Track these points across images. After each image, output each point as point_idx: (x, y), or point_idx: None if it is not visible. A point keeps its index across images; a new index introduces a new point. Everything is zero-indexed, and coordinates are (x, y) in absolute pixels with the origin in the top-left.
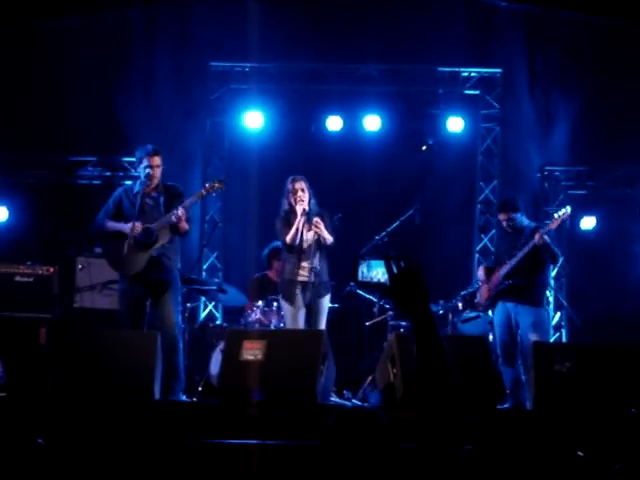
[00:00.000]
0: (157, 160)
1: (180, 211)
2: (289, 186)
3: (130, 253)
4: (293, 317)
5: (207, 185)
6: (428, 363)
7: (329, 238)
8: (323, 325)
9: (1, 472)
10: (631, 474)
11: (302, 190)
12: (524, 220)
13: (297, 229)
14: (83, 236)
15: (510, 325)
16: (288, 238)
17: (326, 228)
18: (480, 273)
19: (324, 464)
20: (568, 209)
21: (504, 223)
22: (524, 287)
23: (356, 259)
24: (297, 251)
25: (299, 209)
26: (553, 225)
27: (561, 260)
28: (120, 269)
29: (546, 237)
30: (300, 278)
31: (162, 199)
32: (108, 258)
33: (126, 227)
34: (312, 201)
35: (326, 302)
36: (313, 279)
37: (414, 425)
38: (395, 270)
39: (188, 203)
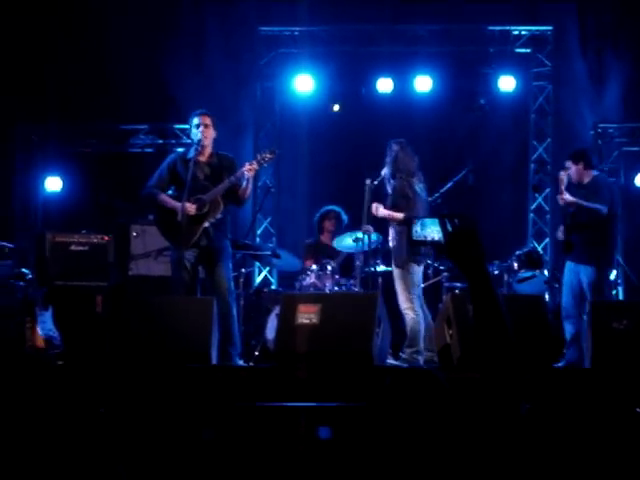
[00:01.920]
0: (207, 119)
1: (232, 180)
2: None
3: (182, 225)
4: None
5: (258, 156)
6: (485, 321)
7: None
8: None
9: (62, 441)
10: None
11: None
12: (589, 173)
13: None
14: (136, 204)
15: (574, 282)
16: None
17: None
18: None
19: (382, 425)
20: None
21: (571, 173)
22: (585, 246)
23: (410, 219)
24: None
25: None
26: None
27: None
28: (172, 240)
29: (568, 197)
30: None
31: (216, 168)
32: (160, 228)
33: (177, 205)
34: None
35: (395, 271)
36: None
37: (472, 386)
38: (450, 228)
39: (238, 176)
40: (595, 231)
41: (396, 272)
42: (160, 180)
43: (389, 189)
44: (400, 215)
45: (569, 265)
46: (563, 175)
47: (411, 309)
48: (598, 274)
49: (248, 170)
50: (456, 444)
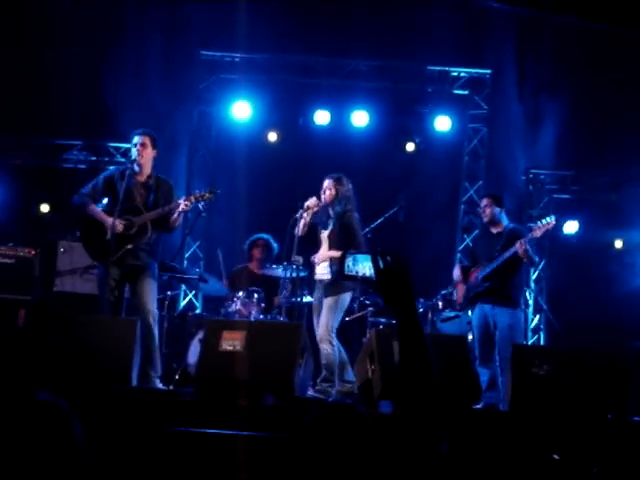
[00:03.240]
0: (145, 139)
1: (164, 210)
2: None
3: (108, 242)
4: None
5: (197, 193)
6: (411, 358)
7: (334, 255)
8: (322, 321)
9: None
10: (607, 479)
11: (328, 189)
12: (503, 218)
13: (304, 222)
14: (66, 219)
15: (488, 326)
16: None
17: (349, 235)
18: (456, 272)
19: (302, 457)
20: (552, 218)
21: (483, 210)
22: (501, 289)
23: (342, 253)
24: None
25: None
26: (536, 233)
27: (542, 263)
28: (97, 257)
29: (528, 246)
30: (315, 277)
31: (152, 191)
32: (84, 241)
33: (107, 220)
34: (336, 202)
35: (330, 300)
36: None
37: (391, 422)
38: (382, 265)
39: (171, 208)
40: (516, 274)
41: (329, 302)
42: (94, 190)
43: (332, 224)
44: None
45: (484, 308)
46: (549, 226)
47: (329, 341)
48: (519, 316)
49: (184, 206)
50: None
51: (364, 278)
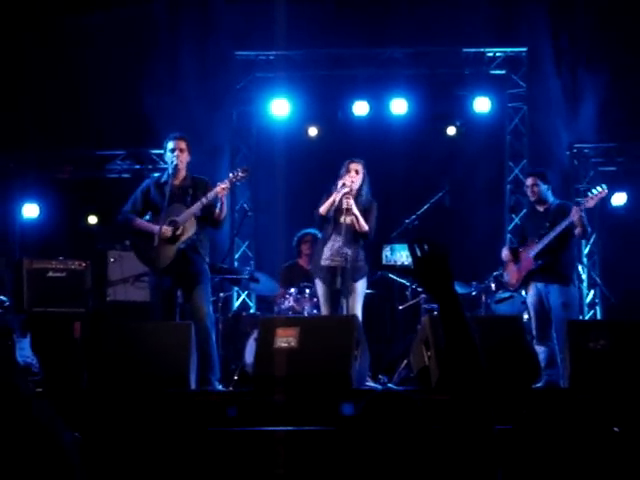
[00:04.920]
0: (182, 144)
1: (205, 200)
2: (346, 166)
3: (158, 248)
4: (324, 301)
5: (231, 175)
6: (455, 345)
7: (363, 225)
8: (358, 309)
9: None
10: None
11: (356, 171)
12: (549, 195)
13: (333, 201)
14: (114, 230)
15: (543, 304)
16: (322, 208)
17: (367, 221)
18: (505, 253)
19: (356, 447)
20: (604, 187)
21: (530, 189)
22: (553, 266)
23: (379, 244)
24: (329, 231)
25: (340, 183)
26: (590, 203)
27: (592, 237)
28: (148, 264)
29: (584, 213)
30: (332, 263)
31: (190, 191)
32: (137, 253)
33: (154, 229)
34: (365, 188)
35: (360, 286)
36: (344, 264)
37: (445, 408)
38: (419, 253)
39: (211, 196)
40: (567, 251)
41: (361, 286)
42: (134, 205)
43: (360, 205)
44: (365, 226)
45: (537, 286)
46: (603, 194)
47: None
48: (572, 293)
49: (221, 189)
50: (432, 467)
51: (402, 267)
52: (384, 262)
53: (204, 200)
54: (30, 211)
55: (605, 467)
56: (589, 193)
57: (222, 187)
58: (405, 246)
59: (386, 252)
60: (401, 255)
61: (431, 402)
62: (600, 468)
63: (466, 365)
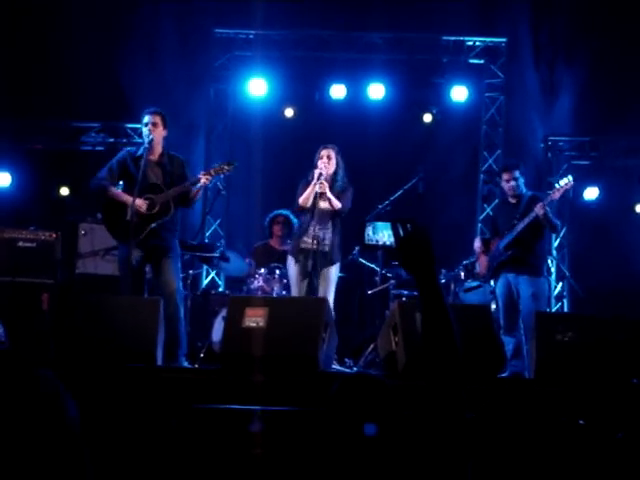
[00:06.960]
0: (157, 118)
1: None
2: (319, 153)
3: (130, 221)
4: (295, 282)
5: (216, 166)
6: (433, 328)
7: (336, 203)
8: (329, 294)
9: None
10: (632, 443)
11: (328, 157)
12: (522, 187)
13: (310, 192)
14: (86, 202)
15: (511, 295)
16: (300, 199)
17: (342, 200)
18: (477, 244)
19: (327, 430)
20: (570, 178)
21: (507, 184)
22: (524, 257)
23: (362, 222)
24: (308, 217)
25: (316, 172)
26: (555, 195)
27: (563, 230)
28: (118, 237)
29: (547, 208)
30: (304, 245)
31: (167, 168)
32: (107, 224)
33: (129, 200)
34: (340, 173)
35: (333, 272)
36: (316, 247)
37: (416, 394)
38: (402, 233)
39: (192, 184)
40: (538, 243)
41: (334, 272)
42: (110, 173)
43: (335, 191)
44: (337, 203)
45: (507, 277)
46: (568, 187)
47: None
48: (542, 284)
49: (205, 180)
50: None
51: (384, 246)
52: (366, 241)
53: (186, 185)
54: (2, 180)
55: (565, 458)
56: (555, 185)
57: (205, 178)
58: (387, 225)
59: (368, 231)
60: (383, 234)
61: (398, 388)
62: (560, 459)
63: (443, 349)
